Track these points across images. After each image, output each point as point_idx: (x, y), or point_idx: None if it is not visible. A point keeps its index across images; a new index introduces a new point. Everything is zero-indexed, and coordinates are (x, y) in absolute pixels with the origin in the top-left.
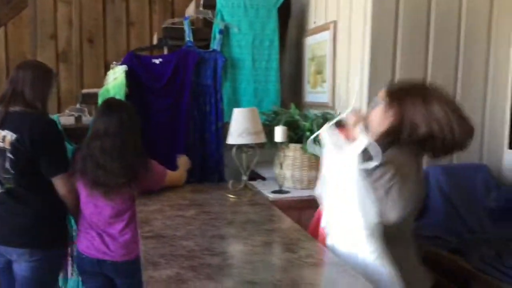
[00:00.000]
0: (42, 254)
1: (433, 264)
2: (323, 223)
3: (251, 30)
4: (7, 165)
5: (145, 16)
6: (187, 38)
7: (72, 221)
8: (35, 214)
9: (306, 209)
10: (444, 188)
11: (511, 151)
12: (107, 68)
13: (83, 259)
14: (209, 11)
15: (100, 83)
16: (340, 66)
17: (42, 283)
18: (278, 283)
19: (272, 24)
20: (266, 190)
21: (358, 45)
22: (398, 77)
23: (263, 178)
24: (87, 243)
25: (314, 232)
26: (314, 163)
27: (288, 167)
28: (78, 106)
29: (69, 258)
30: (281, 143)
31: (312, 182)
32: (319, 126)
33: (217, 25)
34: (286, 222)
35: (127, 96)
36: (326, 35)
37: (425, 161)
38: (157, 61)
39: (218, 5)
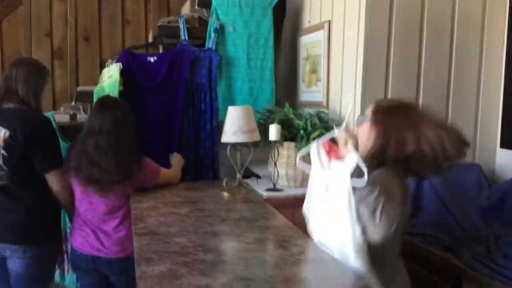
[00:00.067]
0: (36, 251)
1: (425, 262)
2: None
3: (246, 29)
4: (0, 161)
5: (141, 14)
6: (182, 37)
7: (66, 218)
8: (28, 210)
9: (300, 207)
10: (436, 187)
11: (503, 150)
12: (102, 66)
13: (78, 256)
14: (204, 10)
15: (95, 81)
16: (335, 66)
17: (36, 279)
18: (270, 279)
19: (267, 23)
20: (260, 188)
21: (352, 44)
22: (391, 76)
23: (258, 176)
24: (81, 240)
25: None
26: (308, 162)
27: (282, 166)
28: (73, 103)
29: (65, 255)
30: (275, 141)
31: (305, 180)
32: (313, 125)
33: (212, 24)
34: (279, 220)
35: (122, 94)
36: (321, 34)
37: None
38: (152, 59)
39: (214, 4)
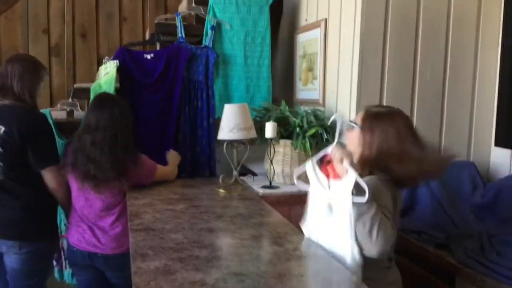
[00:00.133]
0: (32, 247)
1: (419, 259)
2: None
3: (243, 27)
4: None
5: (138, 12)
6: (179, 34)
7: (62, 215)
8: (24, 206)
9: (296, 204)
10: (431, 185)
11: (498, 149)
12: (99, 63)
13: (74, 252)
14: (201, 7)
15: (92, 77)
16: (331, 64)
17: (32, 275)
18: (264, 274)
19: (264, 21)
20: (256, 185)
21: (348, 43)
22: (387, 75)
23: (254, 174)
24: (78, 236)
25: None
26: (304, 159)
27: (278, 163)
28: (70, 100)
29: (62, 251)
30: (271, 139)
31: (301, 178)
32: (309, 123)
33: (209, 21)
34: (275, 216)
35: (118, 91)
36: (317, 32)
37: None
38: (148, 56)
39: (210, 2)
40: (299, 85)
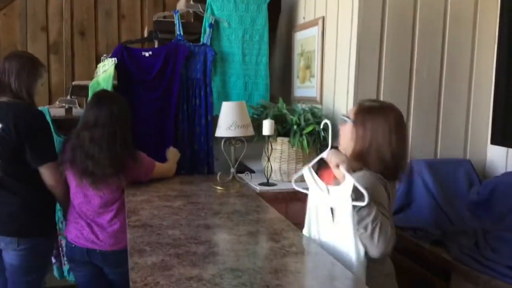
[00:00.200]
0: (30, 243)
1: (415, 256)
2: None
3: (241, 25)
4: None
5: (136, 9)
6: (177, 32)
7: (60, 212)
8: (22, 203)
9: (293, 201)
10: (427, 182)
11: (494, 147)
12: (98, 60)
13: (73, 249)
14: (199, 5)
15: (91, 75)
16: (328, 61)
17: (30, 271)
18: (260, 270)
19: (262, 19)
20: (254, 182)
21: (345, 41)
22: (384, 72)
23: (252, 171)
24: (76, 232)
25: None
26: (301, 156)
27: (276, 160)
28: (68, 97)
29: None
30: (269, 136)
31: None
32: (306, 120)
33: (207, 19)
34: (271, 213)
35: (116, 88)
36: (315, 30)
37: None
38: (147, 53)
39: None
40: (296, 83)
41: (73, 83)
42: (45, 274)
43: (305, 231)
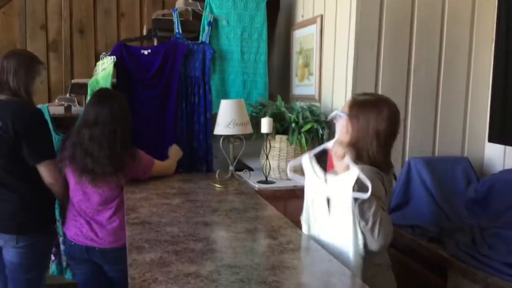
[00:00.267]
0: (29, 240)
1: (412, 252)
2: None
3: (240, 23)
4: None
5: (135, 7)
6: (176, 30)
7: (56, 210)
8: (21, 200)
9: (291, 199)
10: (425, 180)
11: (491, 144)
12: (97, 58)
13: (72, 246)
14: (198, 3)
15: (90, 73)
16: (327, 59)
17: (30, 269)
18: (257, 267)
19: (261, 17)
20: (252, 180)
21: (343, 39)
22: (381, 71)
23: (250, 169)
24: (75, 230)
25: None
26: (299, 154)
27: (274, 158)
28: (67, 95)
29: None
30: (267, 134)
31: (297, 173)
32: (305, 118)
33: (206, 17)
34: (269, 211)
35: (115, 86)
36: (313, 28)
37: (407, 153)
38: (146, 52)
39: None
40: (295, 81)
41: (72, 81)
42: (45, 271)
43: (302, 219)
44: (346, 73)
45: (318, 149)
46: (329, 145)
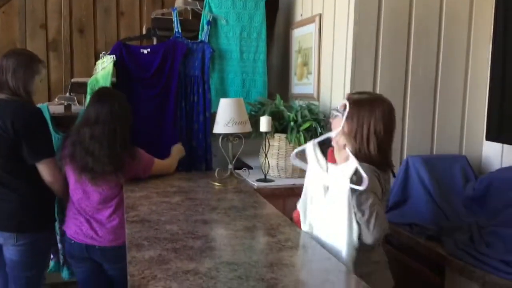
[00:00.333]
0: (29, 238)
1: (410, 250)
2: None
3: (239, 22)
4: None
5: (135, 6)
6: (175, 29)
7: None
8: (20, 199)
9: (290, 197)
10: (423, 178)
11: (489, 143)
12: (97, 57)
13: (72, 245)
14: (197, 3)
15: (90, 72)
16: (325, 58)
17: (30, 267)
18: (256, 264)
19: (260, 16)
20: (251, 178)
21: (341, 38)
22: (380, 70)
23: (250, 167)
24: (75, 228)
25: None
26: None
27: (273, 157)
28: (67, 95)
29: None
30: (266, 133)
31: (295, 171)
32: (303, 117)
33: (205, 16)
34: (268, 209)
35: (115, 85)
36: (312, 27)
37: (406, 151)
38: (145, 51)
39: None
40: (294, 79)
41: (72, 80)
42: (45, 269)
43: (300, 204)
44: (345, 72)
45: (322, 137)
46: (332, 134)
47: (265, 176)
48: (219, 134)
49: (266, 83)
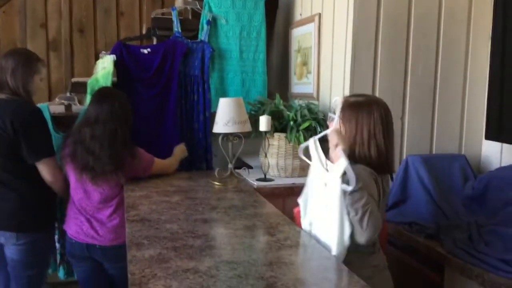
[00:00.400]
0: (29, 238)
1: (410, 249)
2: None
3: (239, 22)
4: None
5: (135, 6)
6: (175, 29)
7: None
8: (20, 199)
9: (290, 196)
10: (423, 177)
11: (488, 142)
12: (97, 57)
13: (73, 244)
14: (197, 2)
15: (90, 72)
16: (325, 58)
17: (31, 266)
18: (255, 262)
19: (259, 15)
20: (251, 178)
21: (341, 37)
22: (379, 69)
23: (249, 167)
24: (76, 228)
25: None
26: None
27: (273, 156)
28: (68, 94)
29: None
30: (266, 132)
31: (295, 171)
32: (303, 116)
33: (205, 16)
34: (268, 208)
35: (115, 85)
36: (311, 27)
37: (405, 150)
38: (145, 51)
39: None
40: (294, 79)
41: (73, 80)
42: (46, 268)
43: (301, 199)
44: (344, 71)
45: (321, 134)
46: (328, 131)
47: (265, 175)
48: (219, 134)
49: (265, 83)
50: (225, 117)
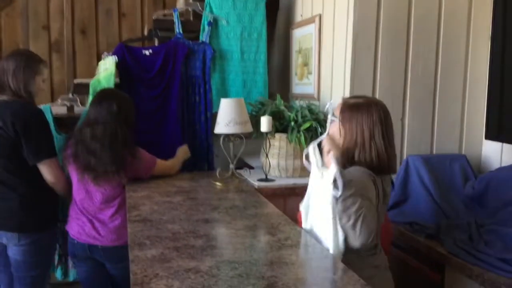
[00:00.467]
0: (31, 238)
1: (410, 249)
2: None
3: (240, 23)
4: None
5: (137, 8)
6: (176, 30)
7: None
8: (21, 199)
9: (291, 196)
10: (423, 177)
11: (488, 142)
12: (99, 58)
13: (75, 244)
14: (198, 4)
15: (92, 73)
16: (325, 58)
17: (34, 266)
18: (256, 262)
19: (260, 16)
20: (253, 178)
21: (341, 38)
22: (379, 70)
23: (251, 167)
24: (78, 228)
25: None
26: (299, 152)
27: (274, 156)
28: (70, 95)
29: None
30: (267, 133)
31: (296, 171)
32: (304, 117)
33: (206, 17)
34: (269, 208)
35: (117, 86)
36: (312, 28)
37: (406, 150)
38: (147, 52)
39: None
40: (295, 79)
41: (75, 81)
42: (49, 269)
43: (302, 205)
44: (344, 71)
45: (318, 139)
46: (323, 137)
47: (266, 175)
48: (220, 134)
49: (266, 83)
50: (227, 117)
